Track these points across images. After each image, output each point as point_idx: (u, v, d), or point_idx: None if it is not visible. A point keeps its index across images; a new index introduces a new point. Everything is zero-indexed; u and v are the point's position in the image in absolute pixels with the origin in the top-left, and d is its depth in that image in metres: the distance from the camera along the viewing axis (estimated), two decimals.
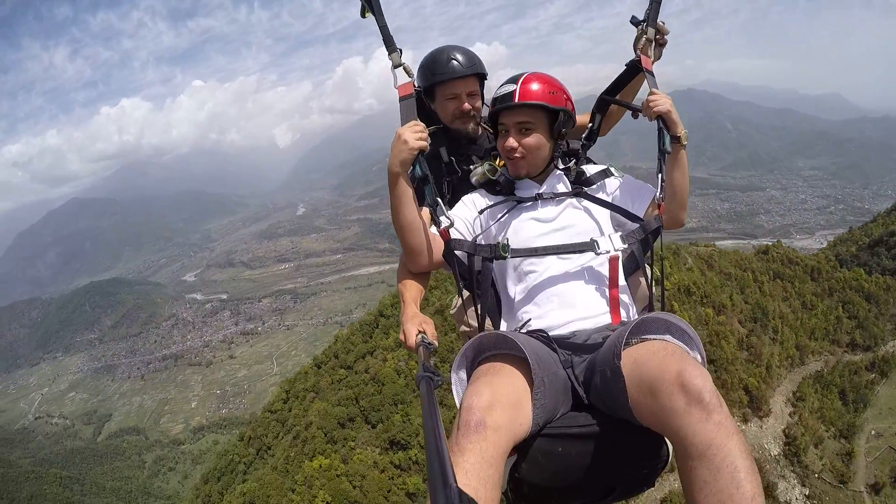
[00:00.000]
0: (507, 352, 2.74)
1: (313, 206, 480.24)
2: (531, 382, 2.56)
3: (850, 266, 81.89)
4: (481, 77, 4.13)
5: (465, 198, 3.81)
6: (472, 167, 3.90)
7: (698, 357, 2.64)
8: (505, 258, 3.29)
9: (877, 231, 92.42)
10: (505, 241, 3.31)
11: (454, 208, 3.74)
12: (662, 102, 3.42)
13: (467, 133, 4.17)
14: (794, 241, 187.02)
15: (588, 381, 2.82)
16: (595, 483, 2.65)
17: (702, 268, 72.07)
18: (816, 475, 57.04)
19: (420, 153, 3.20)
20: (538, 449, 2.60)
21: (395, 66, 3.42)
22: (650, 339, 2.69)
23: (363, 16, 3.39)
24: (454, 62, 3.95)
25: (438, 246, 3.41)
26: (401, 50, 3.49)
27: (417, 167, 3.23)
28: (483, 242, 3.44)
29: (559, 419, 2.70)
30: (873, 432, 61.10)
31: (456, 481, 1.48)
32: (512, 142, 3.45)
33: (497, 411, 2.27)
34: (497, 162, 3.82)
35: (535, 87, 3.39)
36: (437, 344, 3.19)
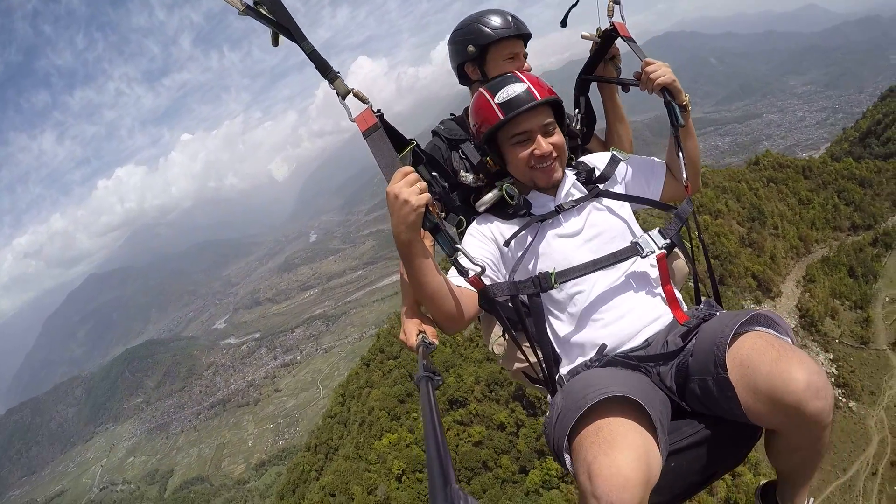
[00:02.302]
0: (605, 396, 2.32)
1: (324, 230, 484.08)
2: (647, 423, 2.29)
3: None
4: (527, 39, 3.80)
5: (476, 230, 3.30)
6: (464, 175, 3.45)
7: (790, 340, 2.52)
8: (552, 289, 2.95)
9: (864, 125, 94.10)
10: (551, 270, 2.93)
11: (468, 247, 3.16)
12: (664, 71, 3.18)
13: None
14: None
15: (681, 387, 2.63)
16: (701, 479, 2.61)
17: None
18: (837, 340, 58.58)
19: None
20: None
21: (343, 96, 2.72)
22: (745, 333, 2.49)
23: (275, 44, 2.71)
24: (514, 19, 3.65)
25: (469, 299, 2.95)
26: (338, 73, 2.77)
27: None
28: (521, 279, 3.01)
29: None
30: (887, 298, 62.43)
31: (456, 481, 1.42)
32: (548, 146, 3.06)
33: (631, 490, 2.02)
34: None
35: (538, 82, 3.08)
36: (437, 343, 3.07)
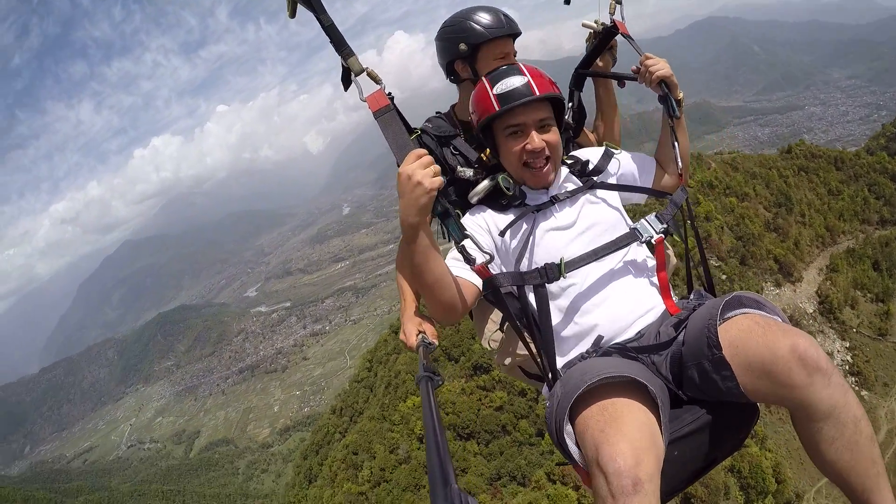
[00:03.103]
0: (606, 381, 2.35)
1: (357, 204, 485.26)
2: (650, 405, 2.32)
3: None
4: (515, 38, 3.73)
5: (471, 221, 3.26)
6: (462, 171, 3.44)
7: (778, 318, 2.56)
8: (558, 279, 2.90)
9: None
10: (558, 261, 2.89)
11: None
12: (662, 65, 3.25)
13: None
14: None
15: (676, 376, 2.65)
16: (703, 465, 2.64)
17: (726, 170, 72.61)
18: (855, 329, 58.23)
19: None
20: None
21: (357, 74, 2.67)
22: (733, 317, 2.55)
23: (291, 15, 2.62)
24: (506, 17, 3.59)
25: (467, 289, 2.88)
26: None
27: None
28: (524, 269, 3.00)
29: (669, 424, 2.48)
30: None
31: (456, 481, 1.42)
32: (540, 141, 3.03)
33: (644, 461, 2.02)
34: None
35: (540, 76, 3.07)
36: (437, 343, 3.12)
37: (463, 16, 3.59)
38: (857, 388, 52.98)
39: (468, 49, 3.54)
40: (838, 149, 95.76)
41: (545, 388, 2.93)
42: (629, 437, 2.08)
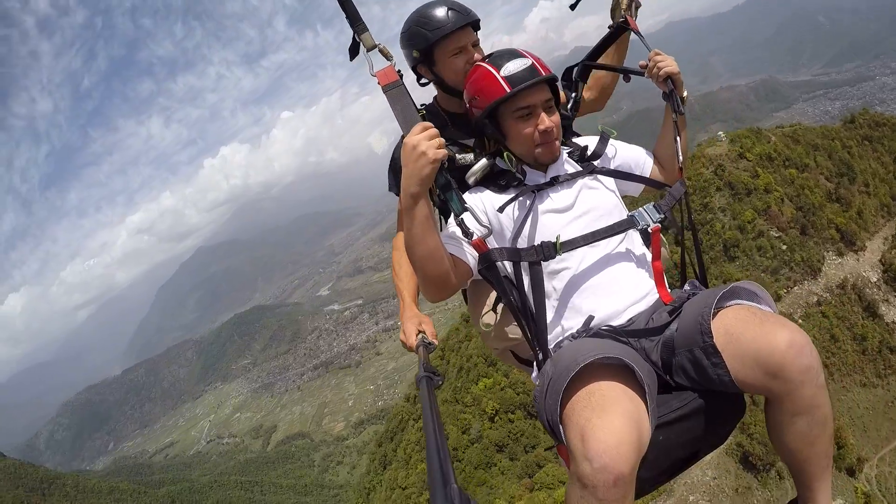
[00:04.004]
0: (596, 361, 2.34)
1: None
2: (637, 389, 2.32)
3: None
4: (476, 25, 3.53)
5: (470, 197, 3.09)
6: (462, 157, 3.25)
7: (771, 311, 2.60)
8: (554, 258, 2.83)
9: None
10: (555, 239, 2.81)
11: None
12: (670, 62, 3.19)
13: None
14: None
15: (667, 363, 2.63)
16: (686, 455, 2.61)
17: (786, 143, 69.46)
18: None
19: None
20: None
21: (369, 49, 2.69)
22: (728, 307, 2.57)
23: None
24: (451, 11, 3.39)
25: (462, 268, 2.80)
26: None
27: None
28: (521, 246, 2.91)
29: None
30: None
31: (456, 480, 1.44)
32: (550, 121, 2.97)
33: (626, 455, 2.05)
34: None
35: (539, 59, 3.02)
36: (437, 343, 3.08)
37: (411, 20, 3.56)
38: None
39: (420, 55, 3.52)
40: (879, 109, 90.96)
41: (534, 373, 2.89)
42: (614, 430, 2.10)
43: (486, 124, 3.09)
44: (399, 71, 2.74)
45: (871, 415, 47.53)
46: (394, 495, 60.09)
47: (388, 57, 2.73)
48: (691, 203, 3.25)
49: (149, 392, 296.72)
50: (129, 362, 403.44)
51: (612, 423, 2.11)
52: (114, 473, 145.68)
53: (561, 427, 2.32)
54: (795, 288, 55.07)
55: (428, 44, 3.42)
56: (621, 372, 2.34)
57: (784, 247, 56.63)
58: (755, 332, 2.37)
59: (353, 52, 2.83)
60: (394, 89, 2.69)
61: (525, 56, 3.00)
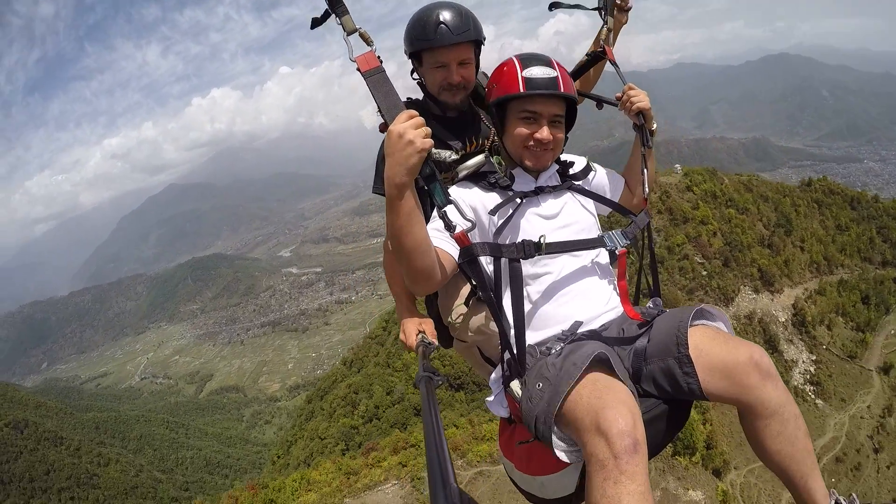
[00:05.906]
0: (595, 354, 2.51)
1: None
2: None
3: None
4: (477, 43, 3.52)
5: (457, 191, 3.22)
6: (437, 153, 3.27)
7: (728, 330, 2.90)
8: (534, 256, 2.94)
9: None
10: (540, 238, 2.93)
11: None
12: (643, 97, 3.41)
13: (457, 106, 3.61)
14: None
15: (636, 371, 2.83)
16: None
17: (738, 188, 72.24)
18: (824, 346, 57.60)
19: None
20: None
21: (349, 33, 2.59)
22: (695, 326, 2.80)
23: None
24: (443, 26, 3.30)
25: (448, 261, 2.83)
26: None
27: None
28: (504, 243, 2.97)
29: None
30: (893, 331, 60.37)
31: (456, 480, 1.44)
32: (549, 134, 3.10)
33: (639, 425, 2.17)
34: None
35: (567, 76, 3.12)
36: (436, 343, 3.23)
37: (413, 17, 3.46)
38: (813, 395, 53.14)
39: (408, 56, 3.53)
40: (857, 189, 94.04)
41: (494, 376, 2.94)
42: (626, 402, 2.22)
43: (493, 112, 3.22)
44: (379, 57, 2.59)
45: None
46: (312, 444, 61.44)
47: (368, 42, 2.60)
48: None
49: (92, 319, 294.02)
50: (78, 285, 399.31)
51: (623, 397, 2.25)
52: (42, 392, 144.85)
53: (560, 421, 2.39)
54: None
55: (413, 49, 3.45)
56: (611, 371, 2.51)
57: (704, 273, 58.82)
58: (721, 348, 2.62)
59: (316, 23, 2.71)
60: (375, 75, 2.55)
61: (554, 68, 3.04)
